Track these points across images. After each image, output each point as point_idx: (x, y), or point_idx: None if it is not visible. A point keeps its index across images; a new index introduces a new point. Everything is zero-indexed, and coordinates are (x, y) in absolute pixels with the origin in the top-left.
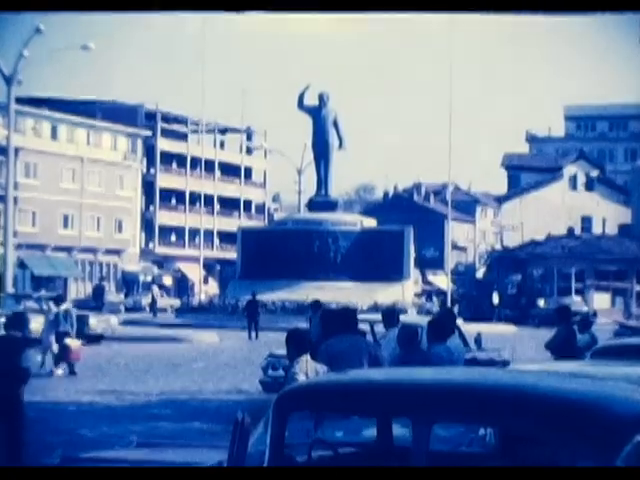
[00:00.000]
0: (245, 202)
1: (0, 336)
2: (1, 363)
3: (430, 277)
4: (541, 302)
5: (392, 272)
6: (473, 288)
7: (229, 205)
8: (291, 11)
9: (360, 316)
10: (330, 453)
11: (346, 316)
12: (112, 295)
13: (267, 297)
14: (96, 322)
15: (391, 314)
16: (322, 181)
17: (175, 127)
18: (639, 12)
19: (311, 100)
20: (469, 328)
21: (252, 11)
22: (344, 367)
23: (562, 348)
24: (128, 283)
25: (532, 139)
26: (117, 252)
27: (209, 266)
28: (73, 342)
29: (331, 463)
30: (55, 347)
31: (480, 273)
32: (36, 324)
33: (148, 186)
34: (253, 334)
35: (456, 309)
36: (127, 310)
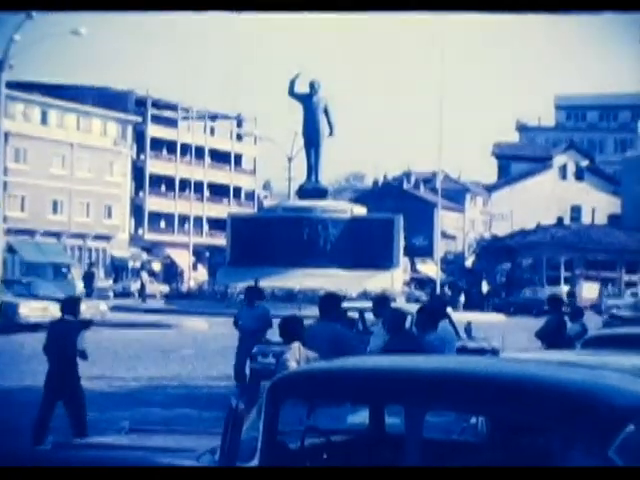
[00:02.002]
0: (235, 189)
1: (58, 319)
2: (60, 345)
3: (419, 265)
4: (527, 291)
5: (381, 260)
6: (462, 277)
7: (219, 192)
8: (291, 11)
9: (350, 304)
10: (323, 440)
11: (323, 304)
12: (101, 281)
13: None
14: (85, 308)
15: (382, 302)
16: (312, 168)
17: (165, 113)
18: (638, 12)
19: (302, 87)
20: (459, 317)
21: (252, 11)
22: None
23: (552, 337)
24: (117, 269)
25: (522, 128)
26: (106, 238)
27: (198, 253)
28: None
29: (324, 450)
30: None
31: (469, 262)
32: (25, 309)
33: (138, 172)
34: None
35: (462, 299)
36: (116, 296)
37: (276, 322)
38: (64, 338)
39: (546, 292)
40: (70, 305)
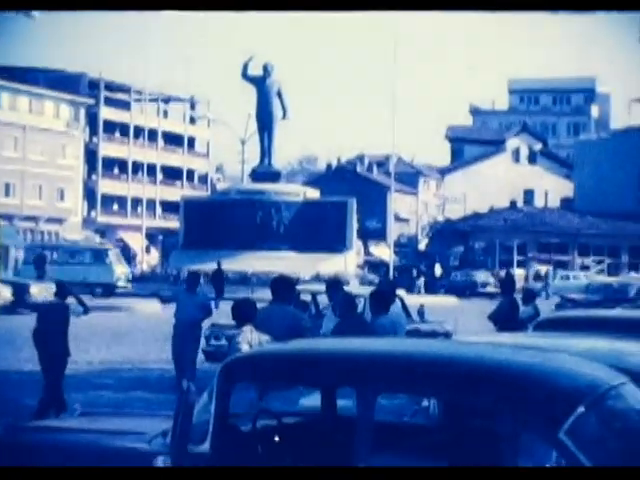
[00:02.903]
0: (188, 172)
1: (51, 302)
2: (55, 326)
3: (373, 248)
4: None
5: (335, 243)
6: (416, 260)
7: (172, 174)
8: (290, 11)
9: (303, 287)
10: (274, 423)
11: (276, 286)
12: None
13: (209, 267)
14: (37, 290)
15: (335, 285)
16: (265, 151)
17: (118, 96)
18: (638, 11)
19: (256, 70)
20: (412, 300)
21: (252, 11)
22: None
23: (505, 320)
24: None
25: (476, 112)
26: (59, 221)
27: (151, 235)
28: None
29: (275, 433)
30: None
31: (422, 245)
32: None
33: (91, 155)
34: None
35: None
36: None
37: (228, 305)
38: (56, 321)
39: (480, 275)
40: (62, 289)
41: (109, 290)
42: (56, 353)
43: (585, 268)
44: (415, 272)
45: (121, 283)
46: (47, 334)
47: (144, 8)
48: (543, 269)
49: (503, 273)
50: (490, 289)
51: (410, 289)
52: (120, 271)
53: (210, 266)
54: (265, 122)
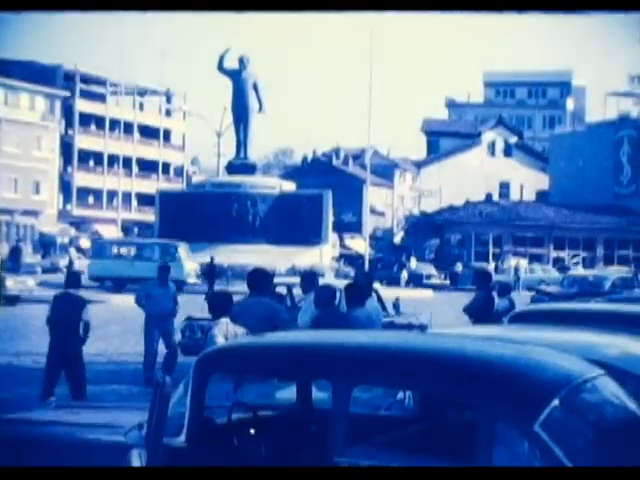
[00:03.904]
0: (164, 164)
1: (64, 293)
2: (67, 317)
3: (348, 241)
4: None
5: (310, 236)
6: (391, 253)
7: (148, 167)
8: (290, 11)
9: (278, 279)
10: (250, 415)
11: (253, 278)
12: (29, 257)
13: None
14: (13, 283)
15: (310, 277)
16: (241, 144)
17: (94, 88)
18: (638, 11)
19: (231, 63)
20: (387, 293)
21: (252, 11)
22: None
23: (480, 312)
24: (45, 245)
25: (451, 105)
26: (34, 213)
27: (127, 228)
28: None
29: (251, 425)
30: None
31: (398, 238)
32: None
33: (66, 147)
34: None
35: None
36: (44, 272)
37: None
38: (69, 311)
39: (424, 267)
40: (74, 279)
41: (179, 287)
42: (56, 344)
43: (560, 261)
44: (397, 265)
45: (191, 279)
46: (58, 324)
47: (140, 9)
48: (514, 262)
49: (506, 265)
50: (434, 281)
51: (391, 282)
52: (190, 267)
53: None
54: (241, 115)
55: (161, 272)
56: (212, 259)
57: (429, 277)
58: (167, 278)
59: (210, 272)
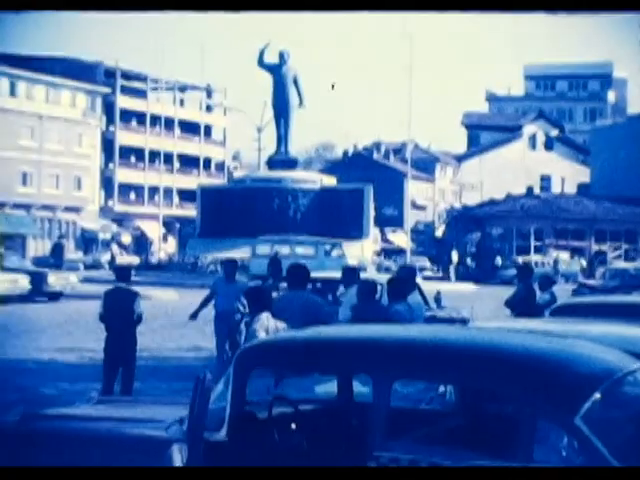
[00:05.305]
0: (205, 160)
1: (114, 288)
2: (119, 310)
3: (390, 235)
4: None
5: (352, 230)
6: (432, 247)
7: (189, 163)
8: (290, 11)
9: (321, 274)
10: (291, 410)
11: (292, 273)
12: (71, 253)
13: (226, 255)
14: (55, 279)
15: (352, 272)
16: (282, 139)
17: (135, 84)
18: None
19: (272, 58)
20: (428, 287)
21: (252, 11)
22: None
23: (522, 306)
24: (87, 241)
25: (491, 98)
26: (76, 210)
27: (168, 224)
28: None
29: (291, 420)
30: None
31: (439, 232)
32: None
33: (107, 143)
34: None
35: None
36: (86, 268)
37: None
38: (122, 304)
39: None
40: (123, 273)
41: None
42: (112, 339)
43: (602, 254)
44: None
45: None
46: (112, 319)
47: (146, 9)
48: (554, 255)
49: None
50: (428, 273)
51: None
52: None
53: (226, 254)
54: (281, 110)
55: (227, 268)
56: (276, 254)
57: (422, 270)
58: (233, 273)
59: (276, 268)
